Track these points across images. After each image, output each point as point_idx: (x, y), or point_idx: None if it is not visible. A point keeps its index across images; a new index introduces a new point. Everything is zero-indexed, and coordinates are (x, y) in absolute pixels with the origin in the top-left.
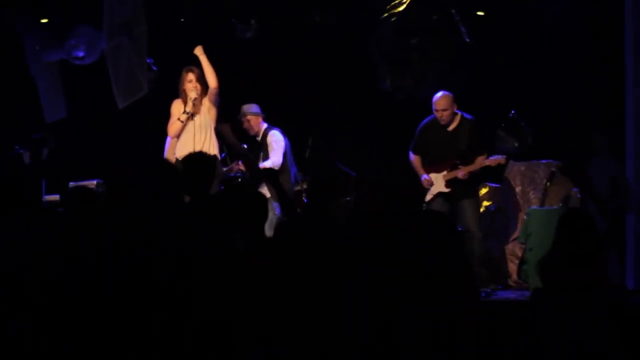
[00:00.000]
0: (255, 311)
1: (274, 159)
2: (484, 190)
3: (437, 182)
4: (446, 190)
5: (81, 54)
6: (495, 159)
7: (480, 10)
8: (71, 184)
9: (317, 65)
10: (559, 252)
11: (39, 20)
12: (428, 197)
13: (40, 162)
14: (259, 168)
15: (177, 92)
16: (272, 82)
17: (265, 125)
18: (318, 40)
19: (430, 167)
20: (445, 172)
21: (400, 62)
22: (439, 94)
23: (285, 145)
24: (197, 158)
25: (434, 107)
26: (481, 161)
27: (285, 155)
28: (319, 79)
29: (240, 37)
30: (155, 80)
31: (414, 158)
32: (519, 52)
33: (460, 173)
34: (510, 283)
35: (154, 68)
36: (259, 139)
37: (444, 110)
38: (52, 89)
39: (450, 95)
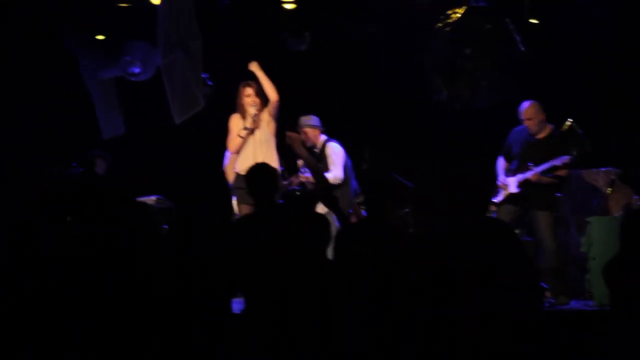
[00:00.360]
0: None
1: (336, 172)
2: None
3: (511, 185)
4: (515, 191)
5: (137, 70)
6: (562, 159)
7: (533, 19)
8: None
9: (371, 78)
10: (624, 257)
11: (95, 37)
12: (498, 198)
13: (96, 178)
14: (327, 181)
15: (233, 106)
16: (328, 94)
17: (323, 138)
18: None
19: (512, 172)
20: (519, 174)
21: (454, 72)
22: (526, 103)
23: (345, 157)
24: (261, 168)
25: (521, 116)
26: (551, 160)
27: (345, 168)
28: (376, 91)
29: (294, 50)
30: (211, 95)
31: (501, 163)
32: (572, 60)
33: (530, 173)
34: None
35: (210, 83)
36: (317, 150)
37: (529, 119)
38: (109, 105)
39: (536, 103)
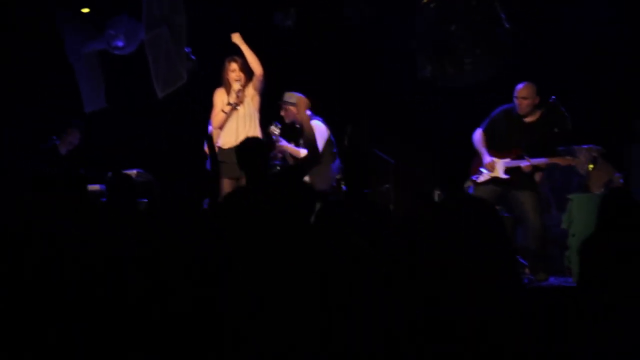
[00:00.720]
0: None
1: None
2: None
3: (497, 167)
4: (504, 177)
5: (121, 44)
6: (566, 159)
7: None
8: (109, 174)
9: (354, 55)
10: (600, 235)
11: (79, 11)
12: (481, 178)
13: (75, 149)
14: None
15: (215, 80)
16: (311, 70)
17: (307, 114)
18: (353, 30)
19: (494, 151)
20: (508, 159)
21: (439, 49)
22: (523, 82)
23: (327, 135)
24: (252, 143)
25: (514, 93)
26: (551, 158)
27: (326, 144)
28: (357, 67)
29: (279, 25)
30: (194, 70)
31: (480, 137)
32: (557, 38)
33: (524, 164)
34: None
35: (192, 57)
36: (298, 126)
37: (523, 98)
38: (92, 79)
39: (534, 86)
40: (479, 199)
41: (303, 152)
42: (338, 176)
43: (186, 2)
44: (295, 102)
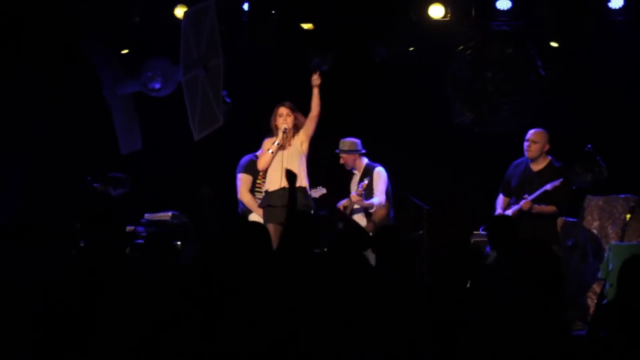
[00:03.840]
0: None
1: (381, 198)
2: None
3: None
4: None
5: (157, 86)
6: (552, 184)
7: (554, 42)
8: (146, 215)
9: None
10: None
11: (117, 52)
12: None
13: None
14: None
15: (250, 122)
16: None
17: (365, 161)
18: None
19: (510, 205)
20: (514, 206)
21: (475, 95)
22: (535, 128)
23: (388, 183)
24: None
25: (525, 137)
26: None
27: (386, 193)
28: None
29: (316, 69)
30: (230, 112)
31: (501, 200)
32: (592, 85)
33: (522, 202)
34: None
35: (228, 100)
36: (356, 172)
37: (533, 141)
38: (128, 120)
39: (545, 132)
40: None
41: (375, 202)
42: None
43: (223, 45)
44: (353, 149)
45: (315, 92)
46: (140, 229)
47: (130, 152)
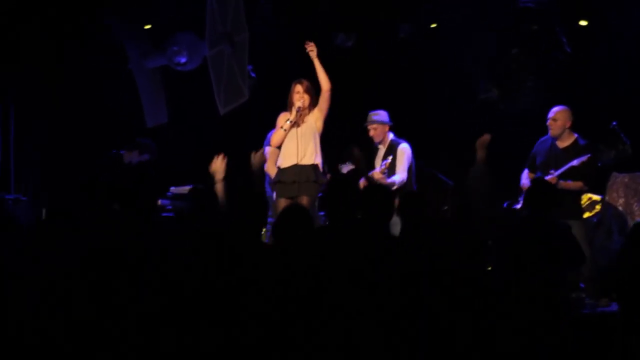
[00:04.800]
0: None
1: (403, 175)
2: (585, 201)
3: None
4: None
5: (183, 60)
6: (579, 159)
7: (583, 20)
8: (172, 188)
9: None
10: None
11: (142, 27)
12: (518, 205)
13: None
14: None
15: (275, 98)
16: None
17: (391, 136)
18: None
19: None
20: None
21: (501, 72)
22: (557, 105)
23: (412, 160)
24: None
25: (547, 115)
26: (574, 183)
27: (409, 170)
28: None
29: (340, 46)
30: (255, 87)
31: (526, 174)
32: (618, 61)
33: (548, 177)
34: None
35: (253, 75)
36: (380, 146)
37: (553, 120)
38: (154, 94)
39: (567, 109)
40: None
41: (396, 180)
42: None
43: (248, 19)
44: (383, 121)
45: (317, 63)
46: (165, 202)
47: (156, 125)
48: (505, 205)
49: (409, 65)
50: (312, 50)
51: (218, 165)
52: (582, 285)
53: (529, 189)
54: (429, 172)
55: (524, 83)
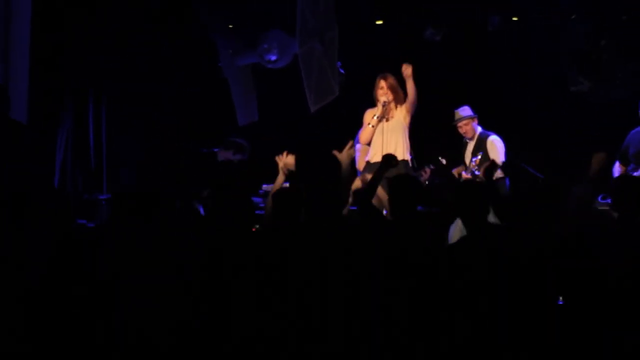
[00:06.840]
0: None
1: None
2: None
3: None
4: None
5: (274, 58)
6: None
7: None
8: (264, 186)
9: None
10: None
11: (233, 25)
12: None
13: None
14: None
15: (363, 94)
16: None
17: (479, 129)
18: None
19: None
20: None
21: (591, 63)
22: None
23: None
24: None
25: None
26: None
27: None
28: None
29: (429, 40)
30: (345, 84)
31: (617, 167)
32: None
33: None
34: None
35: (342, 71)
36: (469, 140)
37: None
38: (245, 92)
39: None
40: None
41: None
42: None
43: (338, 16)
44: (469, 115)
45: (409, 83)
46: (257, 199)
47: (247, 124)
48: (599, 198)
49: (498, 58)
50: (407, 70)
51: (289, 160)
52: None
53: (616, 188)
54: (519, 165)
55: (614, 74)
